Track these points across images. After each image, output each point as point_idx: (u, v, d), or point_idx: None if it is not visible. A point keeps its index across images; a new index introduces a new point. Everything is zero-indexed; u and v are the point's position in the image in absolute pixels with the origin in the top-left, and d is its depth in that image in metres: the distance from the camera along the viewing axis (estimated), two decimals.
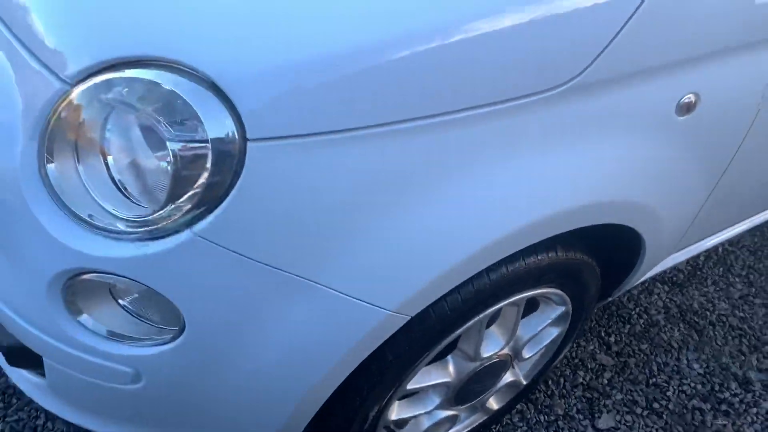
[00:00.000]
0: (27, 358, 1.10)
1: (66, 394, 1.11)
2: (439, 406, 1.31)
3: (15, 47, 0.92)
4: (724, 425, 1.75)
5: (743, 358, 1.94)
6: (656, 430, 1.71)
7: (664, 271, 2.15)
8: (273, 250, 0.88)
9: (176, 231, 0.86)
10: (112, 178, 0.89)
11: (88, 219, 0.89)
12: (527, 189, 0.98)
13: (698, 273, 2.23)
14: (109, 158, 0.88)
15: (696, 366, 1.89)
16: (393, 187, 0.89)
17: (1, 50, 0.94)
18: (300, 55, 0.82)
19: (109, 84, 0.85)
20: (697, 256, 2.25)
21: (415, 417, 1.29)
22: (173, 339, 0.94)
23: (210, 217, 0.84)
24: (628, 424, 1.70)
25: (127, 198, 0.89)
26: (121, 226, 0.88)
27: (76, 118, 0.87)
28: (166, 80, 0.83)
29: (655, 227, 1.23)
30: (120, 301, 0.97)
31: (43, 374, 1.12)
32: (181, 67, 0.83)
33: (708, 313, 2.07)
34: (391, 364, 1.07)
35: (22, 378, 1.17)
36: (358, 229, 0.90)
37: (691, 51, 1.03)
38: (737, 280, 2.22)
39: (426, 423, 1.34)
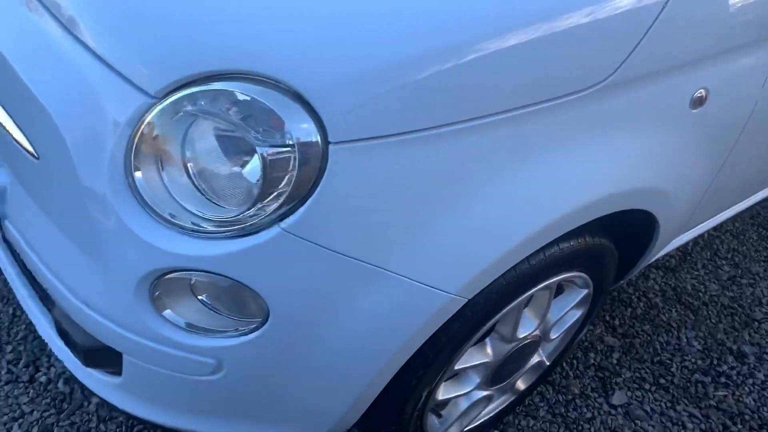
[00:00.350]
0: (104, 358, 1.17)
1: (141, 391, 1.18)
2: (477, 387, 1.41)
3: (96, 65, 0.99)
4: (725, 396, 1.89)
5: (736, 333, 2.09)
6: (664, 403, 1.83)
7: (657, 258, 2.29)
8: (350, 241, 0.97)
9: (264, 228, 0.94)
10: (195, 184, 0.97)
11: (177, 222, 0.97)
12: (567, 181, 1.09)
13: (688, 258, 2.37)
14: (191, 165, 0.96)
15: (695, 343, 2.03)
16: (454, 181, 0.99)
17: (81, 68, 1.01)
18: (372, 64, 0.92)
19: (193, 97, 0.93)
20: (686, 242, 2.40)
21: (455, 398, 1.39)
22: (256, 329, 1.02)
23: (296, 214, 0.93)
24: (638, 400, 1.82)
25: (210, 201, 0.97)
26: (208, 227, 0.96)
27: (160, 129, 0.95)
28: (252, 91, 0.91)
29: (669, 210, 1.35)
30: (199, 297, 1.04)
31: (116, 373, 1.19)
32: (264, 79, 0.92)
33: (701, 294, 2.21)
34: (444, 345, 1.16)
35: (93, 379, 1.23)
36: (424, 220, 0.99)
37: (704, 49, 1.16)
38: (724, 262, 2.37)
39: (464, 404, 1.43)
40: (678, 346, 2.01)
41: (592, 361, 1.90)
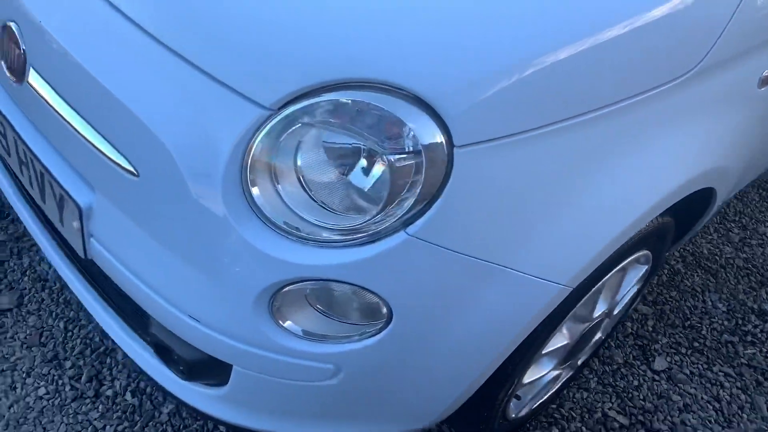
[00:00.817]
0: (206, 372, 1.16)
1: (247, 400, 1.18)
2: (552, 368, 1.45)
3: (203, 80, 0.97)
4: (754, 353, 1.98)
5: (755, 293, 2.19)
6: (701, 365, 1.92)
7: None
8: (473, 242, 0.98)
9: (390, 234, 0.95)
10: (311, 195, 0.97)
11: (298, 233, 0.96)
12: (658, 168, 1.12)
13: None
14: (307, 176, 0.96)
15: (720, 305, 2.12)
16: (565, 175, 1.02)
17: (186, 85, 0.99)
18: (491, 65, 0.92)
19: (311, 108, 0.93)
20: None
21: (535, 380, 1.43)
22: (378, 332, 1.03)
23: (423, 219, 0.94)
24: (678, 364, 1.90)
25: (329, 210, 0.97)
26: (331, 236, 0.96)
27: (275, 142, 0.94)
28: (372, 99, 0.91)
29: (726, 184, 1.41)
30: (316, 306, 1.05)
31: (216, 385, 1.19)
32: (382, 86, 0.92)
33: (717, 257, 2.31)
34: (539, 333, 1.20)
35: (190, 392, 1.22)
36: (538, 215, 1.01)
37: None
38: (733, 225, 2.47)
39: (539, 385, 1.48)
40: (704, 309, 2.10)
41: (629, 330, 1.97)
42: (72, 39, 1.08)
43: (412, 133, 0.91)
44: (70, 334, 1.61)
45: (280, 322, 1.03)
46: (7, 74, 1.20)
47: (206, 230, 1.00)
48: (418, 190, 0.93)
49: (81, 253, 1.20)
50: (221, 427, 1.50)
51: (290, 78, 0.93)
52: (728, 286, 2.20)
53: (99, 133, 1.05)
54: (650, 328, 1.99)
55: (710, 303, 2.12)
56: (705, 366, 1.92)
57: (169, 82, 0.99)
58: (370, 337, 1.04)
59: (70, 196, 1.14)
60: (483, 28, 0.94)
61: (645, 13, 1.01)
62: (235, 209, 0.97)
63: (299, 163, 0.95)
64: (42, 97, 1.12)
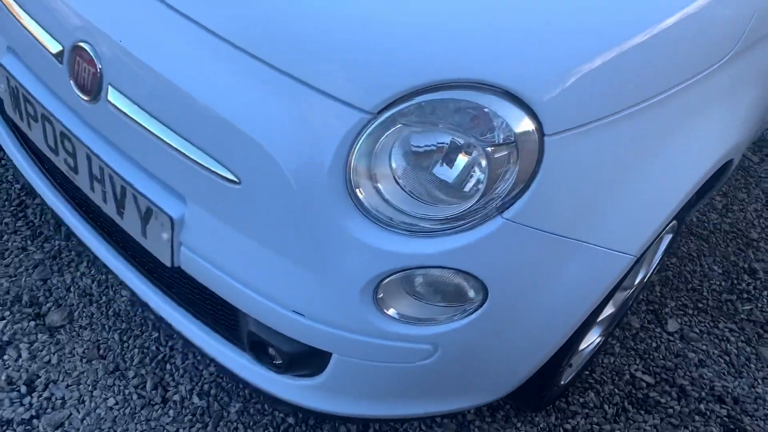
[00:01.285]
0: (300, 364, 1.23)
1: (342, 387, 1.25)
2: (599, 335, 1.57)
3: (303, 90, 1.03)
4: (751, 309, 2.16)
5: (743, 254, 2.37)
6: (707, 324, 2.08)
7: None
8: (560, 221, 1.08)
9: (487, 219, 1.04)
10: (409, 190, 1.05)
11: (401, 226, 1.04)
12: (705, 145, 1.25)
13: None
14: (406, 172, 1.04)
15: (715, 267, 2.29)
16: (638, 153, 1.13)
17: (283, 94, 1.05)
18: (575, 57, 1.02)
19: (409, 109, 1.01)
20: None
21: (584, 347, 1.55)
22: (474, 311, 1.12)
23: (517, 204, 1.03)
24: (688, 324, 2.06)
25: (426, 203, 1.05)
26: (434, 226, 1.04)
27: (376, 143, 1.02)
28: (467, 96, 1.00)
29: (740, 153, 1.55)
30: (415, 291, 1.12)
31: (308, 376, 1.25)
32: (474, 84, 1.01)
33: (705, 224, 2.48)
34: (602, 302, 1.31)
35: (281, 385, 1.28)
36: (615, 191, 1.12)
37: None
38: (715, 193, 2.65)
39: (586, 352, 1.60)
40: (702, 272, 2.26)
41: (641, 297, 2.11)
42: (157, 55, 1.12)
43: (505, 125, 1.00)
44: (126, 344, 1.64)
45: (384, 309, 1.11)
46: (78, 94, 1.23)
47: (313, 229, 1.06)
48: (513, 178, 1.02)
49: (167, 263, 1.24)
50: (290, 420, 1.56)
51: (389, 83, 1.01)
52: (720, 249, 2.37)
53: (194, 145, 1.10)
54: (658, 293, 2.14)
55: (707, 266, 2.29)
56: (711, 324, 2.08)
57: (270, 94, 1.05)
58: (466, 316, 1.12)
59: (159, 208, 1.18)
60: (562, 23, 1.04)
61: (694, 2, 1.12)
62: (341, 208, 1.04)
63: (399, 161, 1.03)
64: (124, 113, 1.16)
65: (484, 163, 1.01)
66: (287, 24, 1.06)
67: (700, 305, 2.13)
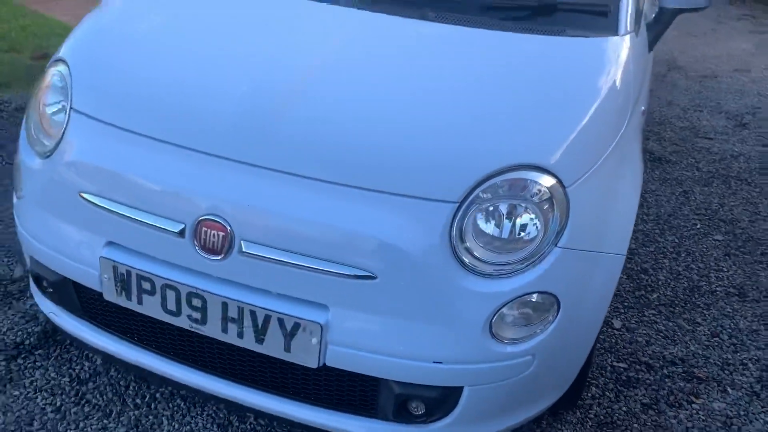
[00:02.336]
0: (439, 406, 1.59)
1: (471, 416, 1.62)
2: None
3: (379, 199, 1.49)
4: (658, 296, 2.83)
5: (632, 259, 3.07)
6: (637, 315, 2.70)
7: None
8: (592, 239, 1.60)
9: (549, 252, 1.54)
10: (495, 249, 1.52)
11: (499, 273, 1.51)
12: (637, 173, 1.87)
13: None
14: (490, 236, 1.52)
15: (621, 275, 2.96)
16: (609, 186, 1.71)
17: (390, 206, 1.49)
18: (569, 140, 1.59)
19: (485, 191, 1.50)
20: None
21: None
22: (552, 322, 1.58)
23: (564, 235, 1.55)
24: (626, 319, 2.66)
25: (512, 252, 1.53)
26: (519, 266, 1.52)
27: (465, 219, 1.50)
28: (517, 174, 1.52)
29: None
30: (515, 316, 1.56)
31: (436, 419, 1.62)
32: (521, 166, 1.53)
33: None
34: None
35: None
36: (610, 213, 1.68)
37: None
38: None
39: None
40: None
41: None
42: (281, 205, 1.51)
43: (543, 189, 1.53)
44: None
45: (498, 338, 1.53)
46: (206, 257, 1.55)
47: (438, 294, 1.49)
48: (557, 220, 1.53)
49: (313, 364, 1.56)
50: None
51: (465, 176, 1.50)
52: None
53: (333, 261, 1.48)
54: None
55: None
56: (640, 314, 2.70)
57: (385, 206, 1.48)
58: (549, 326, 1.58)
59: (308, 321, 1.52)
60: (557, 120, 1.62)
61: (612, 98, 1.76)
62: (454, 272, 1.49)
63: (481, 229, 1.50)
64: (260, 257, 1.51)
65: (538, 216, 1.52)
66: (372, 156, 1.52)
67: (626, 304, 2.76)
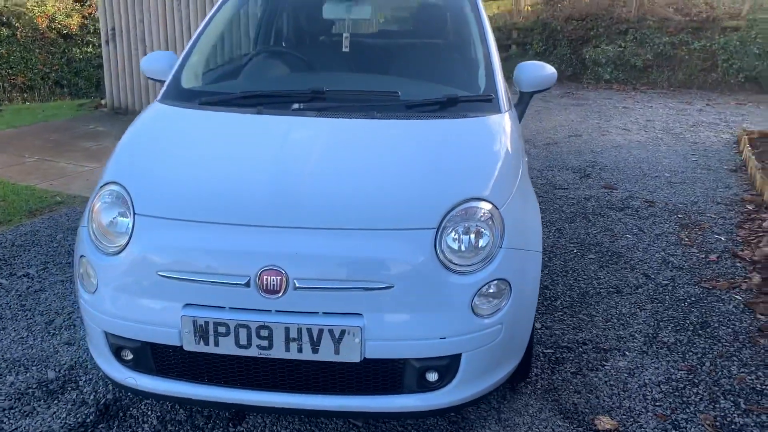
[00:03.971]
0: (448, 372, 2.28)
1: (468, 377, 2.30)
2: None
3: (385, 234, 2.24)
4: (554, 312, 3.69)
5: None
6: (544, 323, 3.53)
7: None
8: (521, 242, 2.41)
9: (497, 251, 2.33)
10: (464, 255, 2.30)
11: (467, 270, 2.27)
12: (536, 197, 2.74)
13: None
14: (460, 247, 2.29)
15: None
16: (526, 206, 2.55)
17: (396, 238, 2.23)
18: (493, 179, 2.43)
19: (447, 220, 2.29)
20: None
21: None
22: (509, 298, 2.34)
23: (505, 239, 2.35)
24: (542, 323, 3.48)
25: (472, 256, 2.30)
26: (484, 265, 2.29)
27: (442, 239, 2.27)
28: (471, 204, 2.32)
29: None
30: (486, 295, 2.30)
31: (440, 387, 2.30)
32: (472, 198, 2.33)
33: None
34: None
35: (439, 396, 2.29)
36: (528, 224, 2.51)
37: None
38: None
39: None
40: None
41: None
42: (318, 248, 2.19)
43: (485, 211, 2.33)
44: None
45: (480, 313, 2.27)
46: (267, 296, 2.19)
47: (436, 290, 2.21)
48: (499, 231, 2.33)
49: (356, 359, 2.20)
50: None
51: (438, 212, 2.27)
52: None
53: (362, 281, 2.17)
54: None
55: None
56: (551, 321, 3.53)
57: (394, 239, 2.21)
58: (508, 301, 2.34)
59: (351, 326, 2.17)
60: (482, 168, 2.44)
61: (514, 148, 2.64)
62: (443, 275, 2.23)
63: (452, 245, 2.27)
64: (310, 289, 2.17)
65: (484, 229, 2.30)
66: (375, 207, 2.26)
67: (540, 311, 3.58)
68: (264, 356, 2.23)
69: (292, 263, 2.18)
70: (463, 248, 2.27)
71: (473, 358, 2.30)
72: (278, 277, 2.17)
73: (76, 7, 13.03)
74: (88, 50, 13.23)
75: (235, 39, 3.66)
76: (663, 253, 4.35)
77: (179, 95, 3.05)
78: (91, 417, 2.64)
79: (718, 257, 4.28)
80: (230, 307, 2.23)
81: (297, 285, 2.17)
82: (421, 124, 2.76)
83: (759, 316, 3.54)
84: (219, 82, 3.41)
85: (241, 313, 2.21)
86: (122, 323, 2.32)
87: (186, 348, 2.26)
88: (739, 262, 4.20)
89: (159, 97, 3.08)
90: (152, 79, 3.40)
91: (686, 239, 4.58)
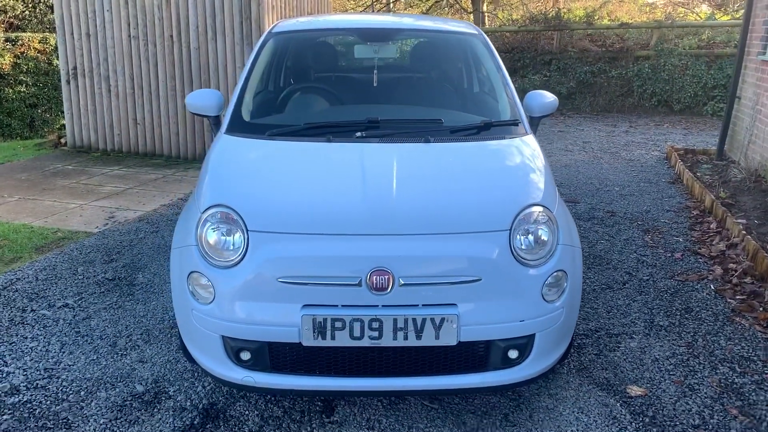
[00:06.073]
0: (525, 350, 2.73)
1: (541, 354, 2.76)
2: None
3: (470, 236, 2.70)
4: None
5: None
6: None
7: None
8: (570, 238, 2.91)
9: (558, 247, 2.82)
10: (531, 249, 2.78)
11: (536, 263, 2.75)
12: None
13: None
14: (529, 238, 2.77)
15: None
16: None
17: (475, 239, 2.69)
18: (540, 192, 2.94)
19: (516, 223, 2.77)
20: None
21: None
22: (566, 286, 2.82)
23: (560, 237, 2.84)
24: None
25: (539, 249, 2.78)
26: (544, 259, 2.78)
27: (513, 237, 2.74)
28: (530, 209, 2.82)
29: None
30: (550, 283, 2.78)
31: (516, 364, 2.75)
32: (531, 205, 2.83)
33: None
34: None
35: (519, 371, 2.73)
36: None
37: None
38: None
39: None
40: None
41: None
42: (418, 251, 2.61)
43: (544, 214, 2.82)
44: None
45: (548, 299, 2.74)
46: (376, 293, 2.58)
47: (514, 280, 2.68)
48: (555, 230, 2.83)
49: (453, 342, 2.61)
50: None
51: (509, 216, 2.74)
52: None
53: (455, 276, 2.60)
54: None
55: None
56: None
57: (471, 239, 2.66)
58: (566, 289, 2.82)
59: (449, 314, 2.59)
60: (533, 181, 2.94)
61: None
62: (519, 267, 2.69)
63: (522, 243, 2.74)
64: (413, 285, 2.58)
65: (546, 229, 2.79)
66: (461, 215, 2.71)
67: None
68: (374, 345, 2.61)
69: (396, 264, 2.58)
70: (531, 245, 2.74)
71: (544, 337, 2.76)
72: (386, 277, 2.57)
73: (7, 47, 12.81)
74: (21, 89, 13.01)
75: (274, 77, 4.03)
76: (636, 254, 4.98)
77: (244, 128, 3.41)
78: (197, 420, 2.91)
79: (682, 255, 4.95)
80: (342, 305, 2.59)
81: (402, 282, 2.57)
82: (467, 145, 3.24)
83: (729, 300, 4.19)
84: (271, 115, 3.76)
85: (354, 309, 2.59)
86: (243, 327, 2.64)
87: (304, 344, 2.60)
88: (701, 258, 4.88)
89: (224, 129, 3.42)
90: (197, 114, 3.72)
91: (651, 242, 5.25)
